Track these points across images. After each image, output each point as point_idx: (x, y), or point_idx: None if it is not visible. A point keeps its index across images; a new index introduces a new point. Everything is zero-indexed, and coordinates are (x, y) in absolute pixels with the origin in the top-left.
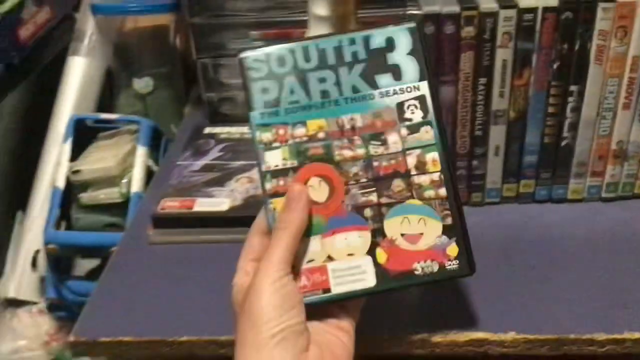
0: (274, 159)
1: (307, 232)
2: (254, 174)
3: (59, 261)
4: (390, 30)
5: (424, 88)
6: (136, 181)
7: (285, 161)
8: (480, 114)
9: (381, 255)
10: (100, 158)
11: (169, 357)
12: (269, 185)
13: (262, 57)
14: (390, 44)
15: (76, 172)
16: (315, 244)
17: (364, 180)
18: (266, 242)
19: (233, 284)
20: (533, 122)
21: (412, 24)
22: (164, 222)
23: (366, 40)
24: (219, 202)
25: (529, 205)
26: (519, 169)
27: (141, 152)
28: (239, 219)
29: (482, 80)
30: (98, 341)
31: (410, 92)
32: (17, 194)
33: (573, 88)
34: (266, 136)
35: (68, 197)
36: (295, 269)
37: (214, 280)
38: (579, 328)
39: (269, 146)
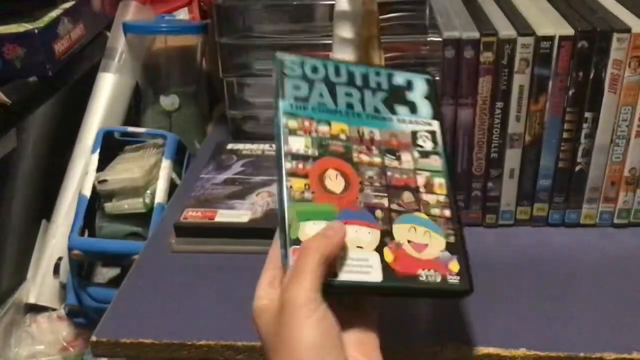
0: (297, 144)
1: (319, 216)
2: (274, 188)
3: (81, 268)
4: (410, 75)
5: (436, 126)
6: (160, 192)
7: (307, 149)
8: (497, 137)
9: (388, 255)
10: (127, 169)
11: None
12: (288, 165)
13: (298, 60)
14: (409, 85)
15: (102, 181)
16: None
17: (378, 184)
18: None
19: (257, 297)
20: (548, 146)
21: (429, 75)
22: (186, 231)
23: (389, 76)
24: (240, 213)
25: (542, 228)
26: (533, 192)
27: (166, 165)
28: (259, 230)
29: (499, 104)
30: (119, 342)
31: (424, 125)
32: (43, 202)
33: (587, 115)
34: (292, 123)
35: (93, 207)
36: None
37: (233, 289)
38: (589, 347)
39: (293, 132)
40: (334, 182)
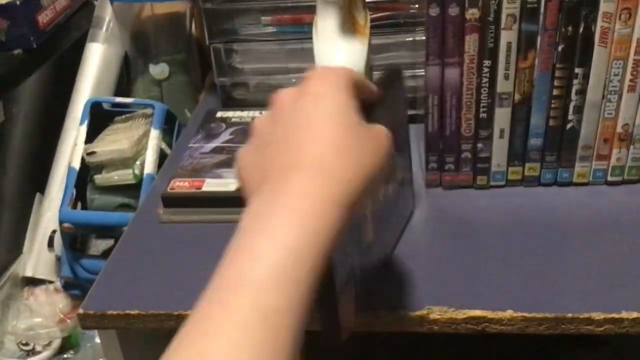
0: None
1: None
2: None
3: (74, 240)
4: None
5: None
6: (149, 163)
7: None
8: (485, 96)
9: None
10: (115, 140)
11: (175, 330)
12: None
13: None
14: None
15: (91, 153)
16: None
17: None
18: None
19: None
20: (538, 104)
21: None
22: (173, 201)
23: None
24: (227, 182)
25: (534, 188)
26: (524, 152)
27: (154, 135)
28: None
29: (487, 62)
30: (106, 314)
31: None
32: (36, 176)
33: (578, 70)
34: None
35: (84, 179)
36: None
37: (220, 258)
38: (577, 307)
39: None
40: None
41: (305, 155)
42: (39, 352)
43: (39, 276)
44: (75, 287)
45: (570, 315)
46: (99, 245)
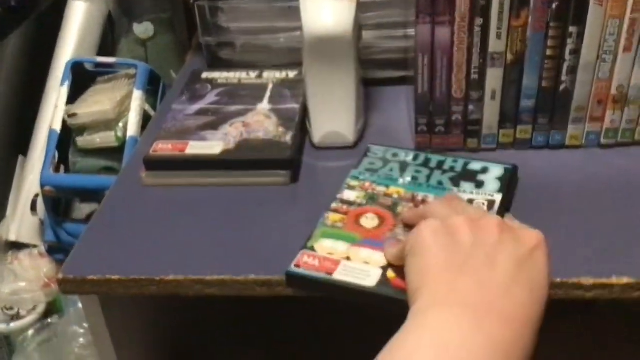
0: (349, 195)
1: (340, 237)
2: (249, 118)
3: (58, 204)
4: (491, 164)
5: (498, 198)
6: (132, 125)
7: (357, 199)
8: (477, 56)
9: (391, 272)
10: (97, 101)
11: (157, 295)
12: (333, 205)
13: (383, 148)
14: (484, 170)
15: (73, 115)
16: (343, 246)
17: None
18: None
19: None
20: (531, 65)
21: (511, 166)
22: (156, 164)
23: (466, 163)
24: (212, 145)
25: (525, 151)
26: (516, 114)
27: (137, 96)
28: (231, 162)
29: (479, 21)
30: (86, 279)
31: (484, 196)
32: (19, 138)
33: (572, 29)
34: (353, 183)
35: (67, 141)
36: (314, 253)
37: (203, 222)
38: (566, 272)
39: (351, 188)
40: (368, 221)
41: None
42: (24, 317)
43: (22, 240)
44: (60, 252)
45: (559, 280)
46: (83, 209)
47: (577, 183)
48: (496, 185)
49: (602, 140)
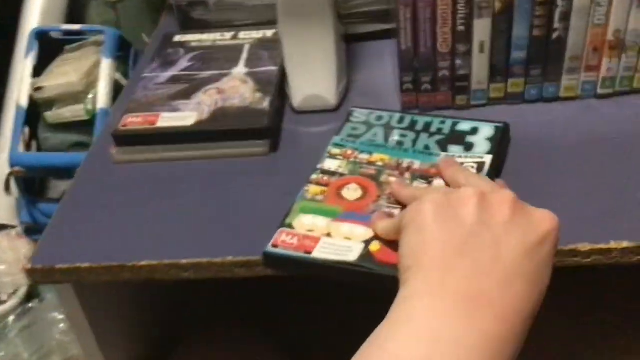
0: (331, 164)
1: (320, 212)
2: (224, 84)
3: (32, 184)
4: (480, 123)
5: (488, 159)
6: (101, 96)
7: (338, 168)
8: (462, 6)
9: (375, 245)
10: (64, 73)
11: (133, 281)
12: (314, 176)
13: (366, 111)
14: (474, 131)
15: (38, 89)
16: (322, 221)
17: (394, 200)
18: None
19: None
20: (520, 13)
21: (502, 124)
22: (126, 139)
23: (455, 124)
24: (184, 116)
25: (518, 106)
26: (506, 67)
27: (106, 65)
28: (206, 133)
29: None
30: (55, 268)
31: (473, 159)
32: None
33: None
34: (335, 151)
35: (37, 116)
36: (293, 230)
37: (179, 200)
38: (562, 238)
39: (333, 156)
40: (351, 192)
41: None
42: (5, 302)
43: None
44: (37, 232)
45: None
46: (59, 187)
47: (573, 138)
48: (486, 146)
49: (599, 90)
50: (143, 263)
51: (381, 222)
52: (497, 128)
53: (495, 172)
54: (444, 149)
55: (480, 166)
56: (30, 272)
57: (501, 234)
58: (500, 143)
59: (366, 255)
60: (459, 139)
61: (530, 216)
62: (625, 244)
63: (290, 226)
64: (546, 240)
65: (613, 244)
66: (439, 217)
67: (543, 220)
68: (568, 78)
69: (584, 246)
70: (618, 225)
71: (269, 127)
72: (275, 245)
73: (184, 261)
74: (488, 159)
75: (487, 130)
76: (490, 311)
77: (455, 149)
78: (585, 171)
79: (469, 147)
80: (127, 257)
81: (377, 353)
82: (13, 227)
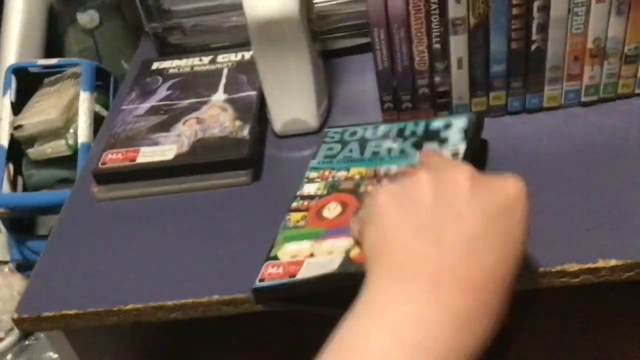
0: (310, 188)
1: (303, 237)
2: (203, 113)
3: (19, 222)
4: (452, 118)
5: (462, 148)
6: (82, 131)
7: (317, 191)
8: (437, 24)
9: (355, 250)
10: (43, 109)
11: (120, 325)
12: (294, 204)
13: (340, 130)
14: (447, 126)
15: (18, 127)
16: (306, 245)
17: None
18: None
19: None
20: (496, 27)
21: (475, 115)
22: (106, 177)
23: (428, 124)
24: (164, 150)
25: (501, 118)
26: (486, 81)
27: (84, 98)
28: (186, 166)
29: None
30: (41, 317)
31: (448, 151)
32: None
33: None
34: (313, 175)
35: (20, 154)
36: (277, 262)
37: (162, 237)
38: (548, 259)
39: (311, 180)
40: (331, 211)
41: (462, 268)
42: (1, 339)
43: None
44: (29, 269)
45: (541, 269)
46: (47, 222)
47: (558, 148)
48: (459, 136)
49: (583, 98)
50: (129, 307)
51: (354, 227)
52: (468, 118)
53: (471, 158)
54: (420, 149)
55: (454, 156)
56: (17, 322)
57: (462, 208)
58: (474, 130)
59: (346, 262)
60: (433, 136)
61: (492, 185)
62: (613, 262)
63: (275, 258)
64: (512, 207)
65: (601, 263)
66: (393, 203)
67: (506, 186)
68: (550, 88)
69: (572, 266)
70: (605, 242)
71: (250, 156)
72: (262, 280)
73: (170, 303)
74: (462, 147)
75: (459, 123)
76: (456, 285)
77: (430, 147)
78: (571, 184)
79: (443, 141)
80: (113, 301)
81: (339, 350)
82: (6, 262)
